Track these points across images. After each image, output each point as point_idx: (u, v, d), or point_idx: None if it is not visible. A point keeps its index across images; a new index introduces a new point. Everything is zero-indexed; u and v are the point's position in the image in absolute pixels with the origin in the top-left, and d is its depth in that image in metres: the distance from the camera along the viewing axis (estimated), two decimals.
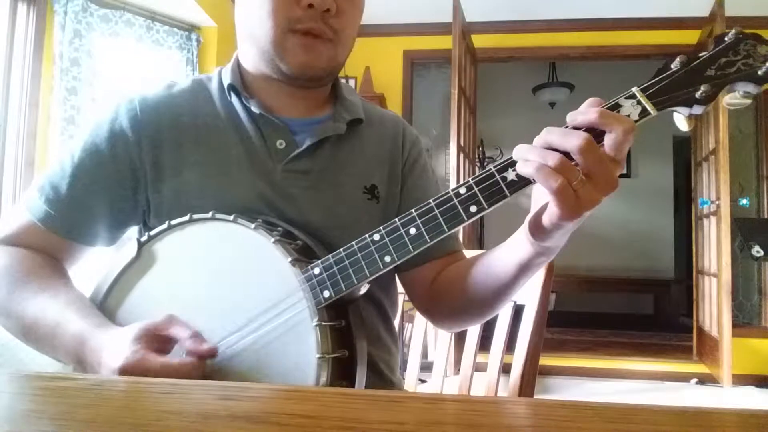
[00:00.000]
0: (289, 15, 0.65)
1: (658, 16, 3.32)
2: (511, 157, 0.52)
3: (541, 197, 0.54)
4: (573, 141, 0.47)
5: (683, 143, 5.08)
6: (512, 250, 0.60)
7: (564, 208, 0.48)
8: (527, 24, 3.48)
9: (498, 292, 0.65)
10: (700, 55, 0.52)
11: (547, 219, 0.51)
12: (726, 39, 0.52)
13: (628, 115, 0.51)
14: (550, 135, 0.49)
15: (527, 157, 0.50)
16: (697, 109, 0.52)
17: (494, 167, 0.53)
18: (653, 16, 3.33)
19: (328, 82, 0.77)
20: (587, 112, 0.49)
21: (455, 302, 0.72)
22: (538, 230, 0.53)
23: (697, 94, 0.51)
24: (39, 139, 2.22)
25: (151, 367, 0.52)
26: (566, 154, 0.48)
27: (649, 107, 0.51)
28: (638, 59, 3.53)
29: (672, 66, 0.52)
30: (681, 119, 0.53)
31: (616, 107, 0.51)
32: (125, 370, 0.52)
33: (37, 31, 2.21)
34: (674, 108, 0.52)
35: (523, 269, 0.59)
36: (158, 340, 0.56)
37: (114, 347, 0.54)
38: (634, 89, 0.52)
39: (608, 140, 0.48)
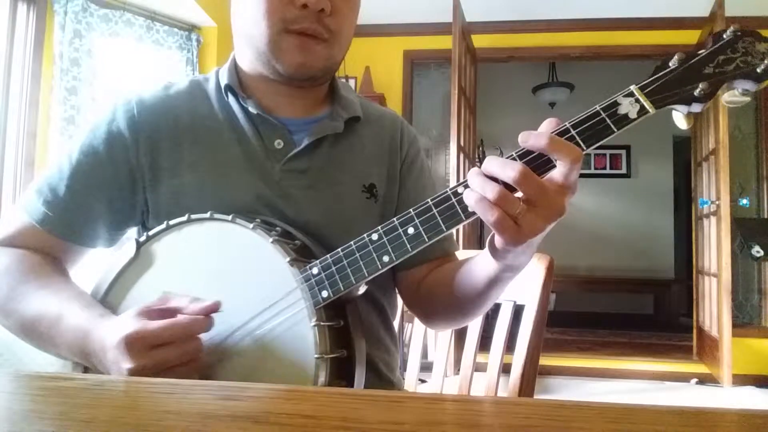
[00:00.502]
0: (284, 15, 0.65)
1: (658, 16, 3.32)
2: (511, 156, 0.52)
3: None
4: (509, 173, 0.48)
5: (683, 143, 5.08)
6: (481, 265, 0.61)
7: (505, 237, 0.49)
8: (527, 24, 3.47)
9: (471, 301, 0.66)
10: (699, 52, 0.52)
11: (497, 242, 0.52)
12: (724, 36, 0.52)
13: (626, 114, 0.51)
14: (490, 165, 0.49)
15: (472, 186, 0.50)
16: (696, 107, 0.52)
17: None
18: (653, 16, 3.33)
19: (325, 81, 0.77)
20: (538, 136, 0.49)
21: (435, 304, 0.73)
22: (494, 250, 0.54)
23: (696, 92, 0.51)
24: (39, 139, 2.22)
25: (156, 327, 0.52)
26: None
27: (647, 105, 0.51)
28: (638, 59, 3.53)
29: (670, 64, 0.52)
30: (680, 117, 0.53)
31: (614, 105, 0.51)
32: (130, 339, 0.52)
33: (37, 31, 2.21)
34: (673, 106, 0.52)
35: (492, 283, 0.60)
36: (159, 313, 0.56)
37: (116, 326, 0.54)
38: (633, 87, 0.52)
39: (557, 168, 0.49)
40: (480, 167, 0.50)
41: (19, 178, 2.16)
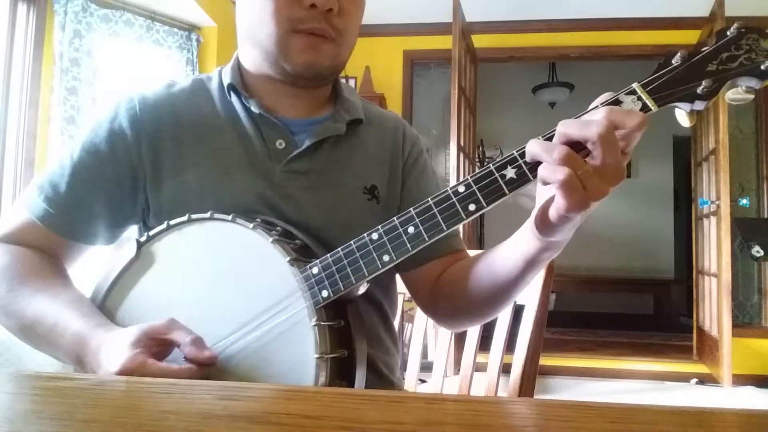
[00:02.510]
0: (291, 15, 0.65)
1: (658, 16, 3.32)
2: (511, 155, 0.52)
3: (546, 191, 0.53)
4: (593, 129, 0.47)
5: (683, 143, 5.07)
6: (517, 247, 0.59)
7: (571, 200, 0.47)
8: (527, 24, 3.48)
9: (502, 290, 0.64)
10: (702, 49, 0.51)
11: (554, 212, 0.50)
12: (728, 33, 0.51)
13: None
14: (567, 128, 0.48)
15: (532, 151, 0.49)
16: (699, 105, 0.51)
17: (493, 165, 0.53)
18: (653, 16, 3.33)
19: (331, 81, 0.77)
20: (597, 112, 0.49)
21: (458, 301, 0.71)
22: (544, 225, 0.52)
23: (699, 90, 0.50)
24: (39, 139, 2.22)
25: (149, 373, 0.52)
26: (574, 148, 0.48)
27: (649, 103, 0.50)
28: (638, 59, 3.53)
29: (673, 61, 0.51)
30: (682, 115, 0.52)
31: (616, 103, 0.51)
32: (123, 375, 0.52)
33: (37, 31, 2.21)
34: (675, 104, 0.51)
35: (530, 265, 0.59)
36: (158, 343, 0.55)
37: (113, 350, 0.54)
38: (635, 85, 0.51)
39: (620, 133, 0.48)
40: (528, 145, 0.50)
41: (19, 178, 2.16)
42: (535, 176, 0.51)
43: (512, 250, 0.60)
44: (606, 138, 0.46)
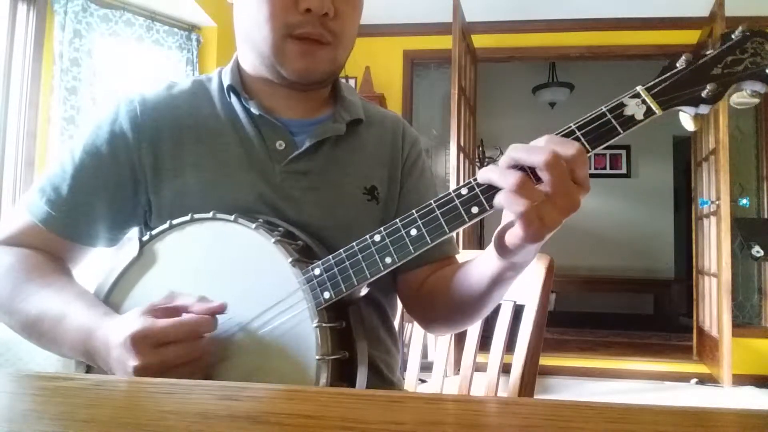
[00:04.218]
0: (286, 20, 0.65)
1: (658, 16, 3.32)
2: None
3: (508, 215, 0.54)
4: (538, 156, 0.47)
5: (683, 143, 5.08)
6: (484, 264, 0.60)
7: (528, 231, 0.48)
8: (527, 24, 3.48)
9: (474, 302, 0.65)
10: (707, 53, 0.51)
11: (510, 239, 0.51)
12: (733, 37, 0.51)
13: (633, 115, 0.50)
14: (516, 151, 0.49)
15: (493, 179, 0.50)
16: (704, 109, 0.51)
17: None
18: (653, 16, 3.33)
19: (329, 84, 0.77)
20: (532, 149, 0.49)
21: (438, 308, 0.72)
22: (501, 248, 0.54)
23: (704, 93, 0.50)
24: (39, 139, 2.22)
25: (162, 325, 0.52)
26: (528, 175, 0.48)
27: (654, 107, 0.50)
28: (638, 59, 3.53)
29: (677, 65, 0.51)
30: (687, 119, 0.52)
31: (620, 106, 0.51)
32: (136, 337, 0.52)
33: (37, 31, 2.21)
34: (680, 107, 0.51)
35: (495, 283, 0.60)
36: (165, 312, 0.56)
37: (121, 325, 0.54)
38: (639, 88, 0.51)
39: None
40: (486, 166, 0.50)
41: (19, 178, 2.16)
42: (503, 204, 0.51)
43: (479, 267, 0.61)
44: (551, 164, 0.47)
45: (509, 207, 0.48)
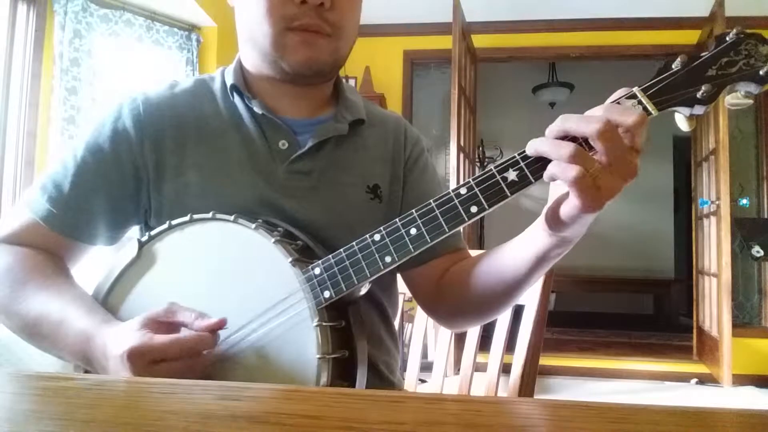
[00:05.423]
0: (284, 13, 0.65)
1: (658, 16, 3.32)
2: (512, 158, 0.52)
3: (557, 188, 0.53)
4: (593, 126, 0.47)
5: (683, 143, 5.07)
6: (528, 244, 0.59)
7: (585, 199, 0.47)
8: (527, 24, 3.48)
9: (509, 288, 0.64)
10: (701, 54, 0.52)
11: (567, 210, 0.50)
12: (727, 39, 0.52)
13: None
14: (566, 122, 0.49)
15: (540, 149, 0.49)
16: (699, 109, 0.51)
17: (495, 167, 0.53)
18: (653, 16, 3.33)
19: (332, 77, 0.77)
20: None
21: (460, 300, 0.71)
22: (555, 222, 0.53)
23: (699, 94, 0.51)
24: (39, 139, 2.22)
25: (161, 343, 0.52)
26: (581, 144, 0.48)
27: (650, 107, 0.51)
28: (638, 59, 3.53)
29: (673, 66, 0.52)
30: (682, 119, 0.53)
31: None
32: (133, 353, 0.52)
33: (37, 31, 2.21)
34: (675, 108, 0.52)
35: (540, 261, 0.59)
36: (164, 327, 0.56)
37: (119, 337, 0.54)
38: (635, 89, 0.52)
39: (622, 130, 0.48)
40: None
41: (19, 178, 2.16)
42: (536, 179, 0.51)
43: (522, 248, 0.60)
44: (605, 134, 0.46)
45: (563, 177, 0.47)
